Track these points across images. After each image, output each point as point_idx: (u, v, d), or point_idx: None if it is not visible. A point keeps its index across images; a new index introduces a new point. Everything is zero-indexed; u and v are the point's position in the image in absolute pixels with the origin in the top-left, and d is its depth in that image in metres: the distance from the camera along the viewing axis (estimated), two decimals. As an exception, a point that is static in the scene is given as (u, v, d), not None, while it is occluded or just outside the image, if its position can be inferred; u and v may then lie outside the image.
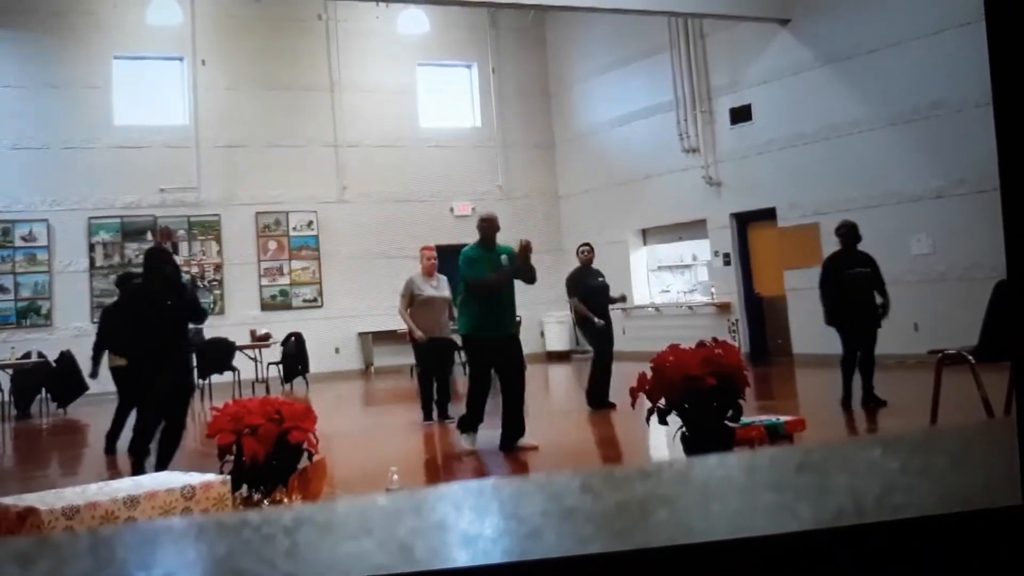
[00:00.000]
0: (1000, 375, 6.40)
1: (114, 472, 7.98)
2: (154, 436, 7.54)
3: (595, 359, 10.53)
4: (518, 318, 8.26)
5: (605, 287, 10.72)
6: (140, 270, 8.51)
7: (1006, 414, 6.10)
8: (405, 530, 0.88)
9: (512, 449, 7.86)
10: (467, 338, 8.14)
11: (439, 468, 8.21)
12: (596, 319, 10.35)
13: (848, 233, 9.31)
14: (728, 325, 15.64)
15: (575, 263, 10.96)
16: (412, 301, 10.12)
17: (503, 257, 7.97)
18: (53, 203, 16.21)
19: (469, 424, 8.04)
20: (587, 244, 10.96)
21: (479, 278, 7.89)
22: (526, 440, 7.94)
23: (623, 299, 11.40)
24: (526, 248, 7.94)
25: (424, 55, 18.93)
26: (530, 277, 8.09)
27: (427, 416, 10.10)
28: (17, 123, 16.03)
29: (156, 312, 7.40)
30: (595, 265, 10.83)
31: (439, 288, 10.19)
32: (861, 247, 9.31)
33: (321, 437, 5.60)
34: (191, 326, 8.47)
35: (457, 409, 9.13)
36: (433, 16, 18.32)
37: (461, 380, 11.06)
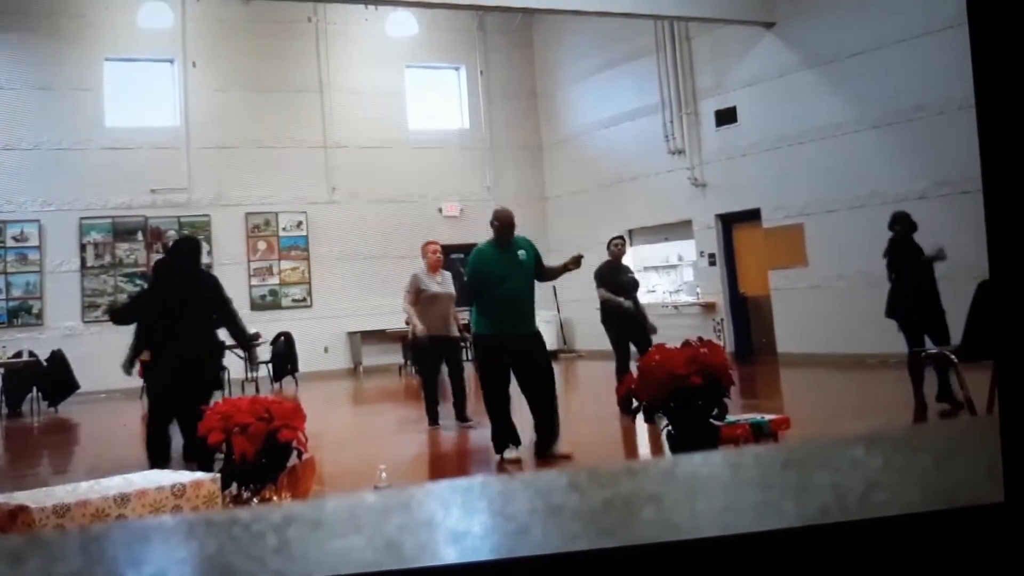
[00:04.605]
0: (982, 374, 6.45)
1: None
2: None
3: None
4: None
5: (635, 283, 10.17)
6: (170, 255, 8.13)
7: (988, 413, 6.14)
8: (393, 527, 0.89)
9: (544, 457, 7.29)
10: (474, 337, 7.80)
11: (428, 466, 8.21)
12: (624, 301, 9.73)
13: (905, 223, 8.78)
14: (713, 325, 15.68)
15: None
16: (417, 298, 9.54)
17: (520, 252, 7.58)
18: (44, 203, 16.18)
19: (498, 438, 7.51)
20: (620, 237, 10.41)
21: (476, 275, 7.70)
22: (558, 447, 7.34)
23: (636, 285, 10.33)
24: (577, 262, 7.59)
25: (412, 57, 18.93)
26: (549, 278, 8.04)
27: (432, 420, 9.53)
28: (8, 124, 16.04)
29: (176, 302, 7.08)
30: (599, 263, 10.16)
31: (444, 284, 9.55)
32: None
33: (310, 435, 5.60)
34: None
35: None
36: (421, 19, 18.32)
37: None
